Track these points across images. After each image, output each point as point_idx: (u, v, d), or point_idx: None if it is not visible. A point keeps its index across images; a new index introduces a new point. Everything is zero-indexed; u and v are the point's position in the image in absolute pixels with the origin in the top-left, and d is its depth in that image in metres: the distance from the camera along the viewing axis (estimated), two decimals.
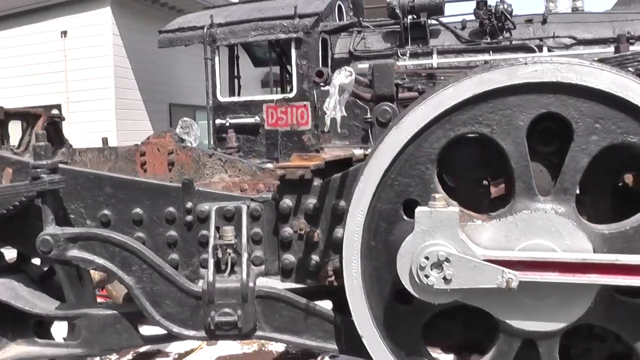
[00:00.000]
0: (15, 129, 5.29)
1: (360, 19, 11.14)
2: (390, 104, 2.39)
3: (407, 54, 10.02)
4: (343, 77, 2.31)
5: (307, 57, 10.14)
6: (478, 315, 2.26)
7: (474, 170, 2.41)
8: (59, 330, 3.37)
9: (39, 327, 3.15)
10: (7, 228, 2.88)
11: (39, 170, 2.59)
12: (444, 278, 2.03)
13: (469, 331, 2.54)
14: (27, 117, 6.50)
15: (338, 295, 2.65)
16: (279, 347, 4.53)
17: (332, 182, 2.50)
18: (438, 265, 2.03)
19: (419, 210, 2.08)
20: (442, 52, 10.09)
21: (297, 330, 2.54)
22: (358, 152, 3.36)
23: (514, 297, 2.10)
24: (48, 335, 3.24)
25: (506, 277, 2.00)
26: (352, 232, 2.26)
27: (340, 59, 10.59)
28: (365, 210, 2.24)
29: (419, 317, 2.30)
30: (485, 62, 9.37)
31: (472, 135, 2.20)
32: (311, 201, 2.52)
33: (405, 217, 2.23)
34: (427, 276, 2.04)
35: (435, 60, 9.92)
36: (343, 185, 2.48)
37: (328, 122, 2.36)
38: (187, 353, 4.66)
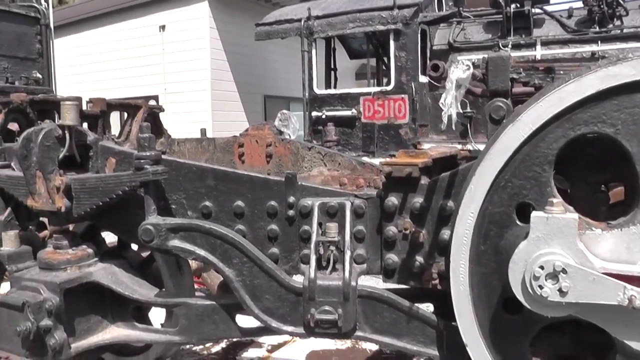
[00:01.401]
0: (114, 118, 5.48)
1: (461, 8, 10.85)
2: (505, 100, 2.24)
3: (509, 45, 9.66)
4: (460, 71, 2.18)
5: (405, 49, 9.99)
6: (591, 331, 2.11)
7: (590, 174, 2.25)
8: (155, 316, 3.43)
9: (137, 311, 3.22)
10: (109, 215, 2.95)
11: (142, 161, 2.62)
12: (560, 290, 1.88)
13: (577, 346, 2.37)
14: (128, 108, 6.74)
15: (441, 299, 2.55)
16: (372, 346, 4.46)
17: (440, 180, 2.38)
18: (553, 275, 1.89)
19: (534, 215, 1.94)
20: (545, 43, 9.63)
21: (398, 333, 2.44)
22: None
23: (635, 315, 1.91)
24: (146, 320, 3.31)
25: (628, 294, 1.83)
26: (461, 236, 2.14)
27: (439, 51, 10.40)
28: (476, 212, 2.11)
29: (528, 328, 2.16)
30: (593, 53, 8.92)
31: (593, 135, 2.04)
32: (417, 200, 2.41)
33: (518, 222, 2.09)
34: (541, 287, 1.90)
35: (538, 52, 9.50)
36: (452, 185, 2.35)
37: (445, 119, 2.25)
38: (280, 345, 4.67)
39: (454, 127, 2.34)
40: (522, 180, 2.07)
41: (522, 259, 1.94)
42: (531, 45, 9.68)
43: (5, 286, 3.14)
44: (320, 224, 2.52)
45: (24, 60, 7.86)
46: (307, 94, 10.99)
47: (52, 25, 8.21)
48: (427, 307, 2.71)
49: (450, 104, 2.19)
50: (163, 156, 2.76)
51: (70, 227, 3.14)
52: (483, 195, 2.11)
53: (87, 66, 18.34)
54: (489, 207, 2.12)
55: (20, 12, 7.80)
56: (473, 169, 2.15)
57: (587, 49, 9.18)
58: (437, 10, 10.85)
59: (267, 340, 4.67)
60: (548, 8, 10.08)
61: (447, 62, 10.12)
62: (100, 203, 2.78)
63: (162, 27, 16.34)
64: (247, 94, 16.88)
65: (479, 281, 2.17)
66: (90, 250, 3.02)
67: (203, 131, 4.96)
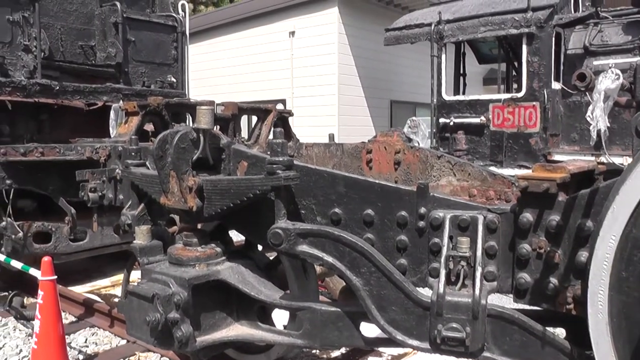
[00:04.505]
0: (242, 121, 5.65)
1: (598, 9, 10.20)
2: None
3: None
4: (609, 81, 2.03)
5: (538, 53, 9.61)
6: None
7: None
8: (277, 316, 3.48)
9: (261, 311, 3.28)
10: (239, 216, 3.05)
11: (275, 166, 2.67)
12: None
13: None
14: (258, 112, 6.98)
15: (574, 325, 2.42)
16: None
17: (579, 198, 2.25)
18: None
19: None
20: None
21: (528, 357, 2.32)
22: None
23: None
24: (269, 321, 3.37)
25: None
26: (601, 259, 1.99)
27: (573, 55, 9.91)
28: (618, 235, 1.95)
29: None
30: None
31: None
32: (554, 218, 2.29)
33: None
34: None
35: None
36: (591, 204, 2.21)
37: (594, 134, 2.12)
38: (401, 356, 4.59)
39: (603, 141, 2.19)
40: None
41: None
42: None
43: (135, 274, 3.29)
44: (451, 238, 2.46)
45: (161, 65, 8.39)
46: (435, 100, 10.84)
47: (187, 33, 8.66)
48: (554, 330, 2.59)
49: (599, 116, 2.05)
50: (294, 162, 2.80)
51: (199, 225, 3.27)
52: (627, 217, 1.95)
53: (218, 70, 19.13)
54: (633, 231, 1.95)
55: (160, 21, 8.34)
56: (616, 188, 2.00)
57: None
58: (572, 12, 10.33)
59: (387, 350, 4.61)
60: None
61: (582, 67, 9.65)
62: (231, 205, 2.86)
63: (292, 33, 16.71)
64: (373, 99, 16.92)
65: (619, 311, 2.00)
66: (218, 249, 3.12)
67: (331, 136, 5.02)
